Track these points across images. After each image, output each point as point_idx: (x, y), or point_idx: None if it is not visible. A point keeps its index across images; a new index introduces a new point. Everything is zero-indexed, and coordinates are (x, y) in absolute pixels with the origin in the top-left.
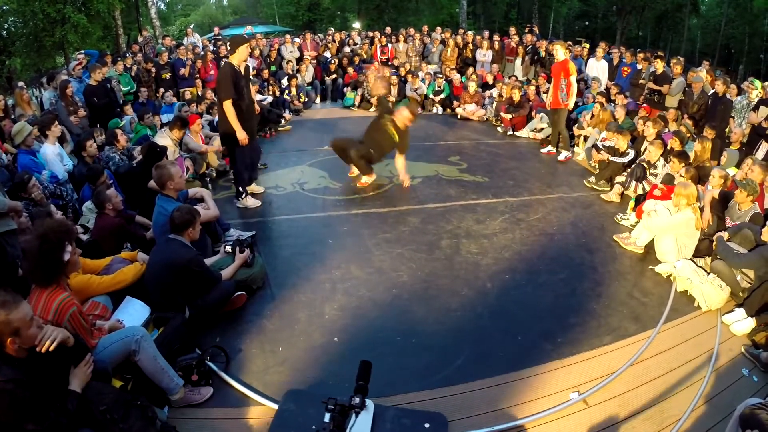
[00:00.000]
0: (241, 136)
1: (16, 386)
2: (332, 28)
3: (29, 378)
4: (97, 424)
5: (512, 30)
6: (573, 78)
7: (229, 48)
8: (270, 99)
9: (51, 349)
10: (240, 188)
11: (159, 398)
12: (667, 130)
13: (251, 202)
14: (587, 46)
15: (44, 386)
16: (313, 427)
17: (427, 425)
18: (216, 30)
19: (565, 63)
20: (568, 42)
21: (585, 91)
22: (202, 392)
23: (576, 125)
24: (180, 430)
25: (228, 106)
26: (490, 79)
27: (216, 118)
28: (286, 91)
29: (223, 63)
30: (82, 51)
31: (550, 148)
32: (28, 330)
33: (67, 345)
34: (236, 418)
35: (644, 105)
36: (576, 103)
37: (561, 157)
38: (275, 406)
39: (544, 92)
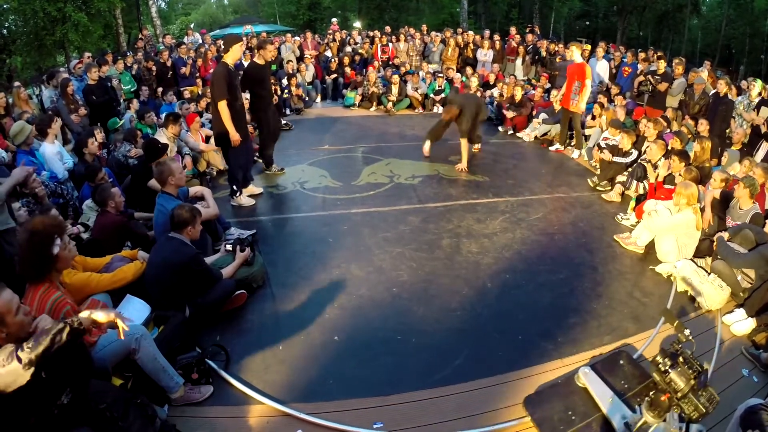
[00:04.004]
0: (235, 137)
1: None
2: (335, 19)
3: None
4: (96, 423)
5: (513, 30)
6: (588, 82)
7: (223, 47)
8: None
9: None
10: (234, 187)
11: (159, 397)
12: (668, 130)
13: (245, 200)
14: (588, 46)
15: (40, 383)
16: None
17: None
18: (202, 32)
19: (582, 66)
20: (582, 41)
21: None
22: (202, 391)
23: None
24: (180, 428)
25: (222, 106)
26: (492, 79)
27: None
28: (286, 90)
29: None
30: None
31: (558, 146)
32: (14, 318)
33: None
34: (236, 417)
35: (642, 104)
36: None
37: (575, 155)
38: (275, 405)
39: (545, 92)
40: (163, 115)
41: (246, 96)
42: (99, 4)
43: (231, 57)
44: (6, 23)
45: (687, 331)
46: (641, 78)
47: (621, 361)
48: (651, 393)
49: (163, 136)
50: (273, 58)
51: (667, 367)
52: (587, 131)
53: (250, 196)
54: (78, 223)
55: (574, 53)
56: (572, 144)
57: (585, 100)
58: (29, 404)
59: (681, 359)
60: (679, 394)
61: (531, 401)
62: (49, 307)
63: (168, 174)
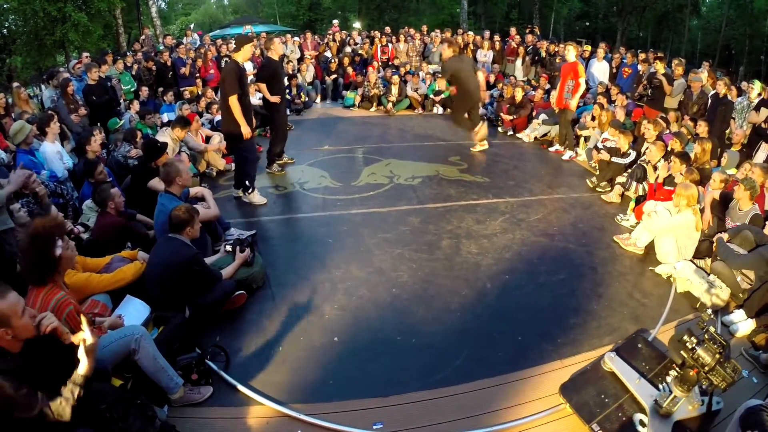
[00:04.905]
0: (246, 130)
1: (9, 381)
2: (336, 20)
3: (23, 373)
4: (96, 423)
5: (513, 30)
6: (582, 80)
7: (234, 46)
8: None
9: (47, 330)
10: (247, 182)
11: (158, 397)
12: (667, 131)
13: (257, 198)
14: (588, 47)
15: (40, 382)
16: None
17: None
18: (199, 33)
19: (575, 65)
20: (582, 42)
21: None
22: (201, 391)
23: (577, 126)
24: (179, 429)
25: (233, 101)
26: (492, 80)
27: (216, 117)
28: (287, 91)
29: (224, 62)
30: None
31: (557, 147)
32: (20, 320)
33: (63, 341)
34: (236, 418)
35: (642, 104)
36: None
37: (565, 157)
38: (275, 406)
39: (545, 93)
40: (164, 116)
41: (256, 100)
42: (99, 4)
43: (242, 56)
44: (6, 23)
45: (709, 311)
46: (644, 83)
47: (639, 345)
48: (679, 370)
49: (167, 137)
50: (249, 59)
51: (693, 345)
52: (587, 132)
53: (237, 197)
54: (78, 223)
55: (570, 52)
56: (564, 144)
57: (577, 97)
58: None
59: (706, 336)
60: (707, 368)
61: (566, 389)
62: (53, 306)
63: (175, 174)
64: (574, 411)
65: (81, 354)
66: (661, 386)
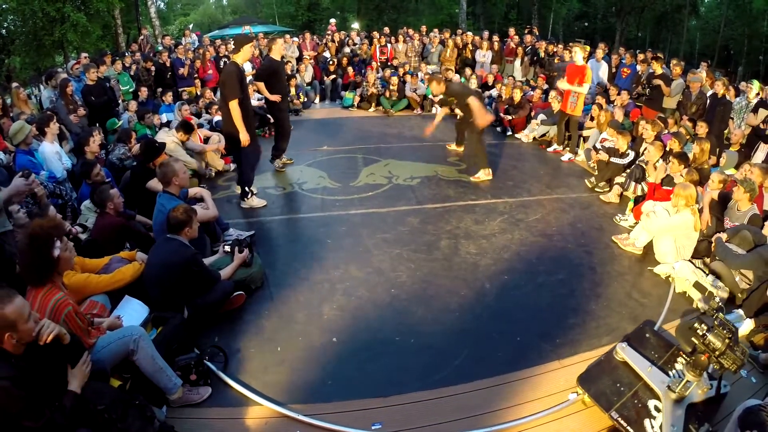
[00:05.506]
0: (244, 137)
1: (11, 384)
2: (333, 19)
3: (25, 375)
4: (95, 424)
5: (512, 31)
6: (586, 86)
7: (233, 47)
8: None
9: (49, 340)
10: (246, 188)
11: (157, 398)
12: (666, 131)
13: (257, 201)
14: (588, 48)
15: (40, 383)
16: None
17: None
18: (197, 34)
19: (583, 69)
20: (581, 42)
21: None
22: (200, 392)
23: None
24: (178, 429)
25: (234, 106)
26: (490, 80)
27: (215, 118)
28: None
29: (223, 63)
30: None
31: (556, 147)
32: (25, 324)
33: (63, 342)
34: (234, 418)
35: (640, 104)
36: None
37: (565, 158)
38: (273, 407)
39: (543, 93)
40: (162, 116)
41: (256, 101)
42: (98, 5)
43: (241, 57)
44: (5, 23)
45: (717, 299)
46: (642, 82)
47: (647, 335)
48: (687, 357)
49: (170, 136)
50: (249, 59)
51: (704, 331)
52: (585, 132)
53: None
54: (76, 224)
55: (578, 54)
56: (567, 147)
57: (581, 102)
58: (22, 405)
59: (716, 323)
60: (717, 353)
61: (584, 379)
62: (51, 307)
63: (172, 174)
64: (593, 400)
65: (70, 376)
66: (671, 373)
